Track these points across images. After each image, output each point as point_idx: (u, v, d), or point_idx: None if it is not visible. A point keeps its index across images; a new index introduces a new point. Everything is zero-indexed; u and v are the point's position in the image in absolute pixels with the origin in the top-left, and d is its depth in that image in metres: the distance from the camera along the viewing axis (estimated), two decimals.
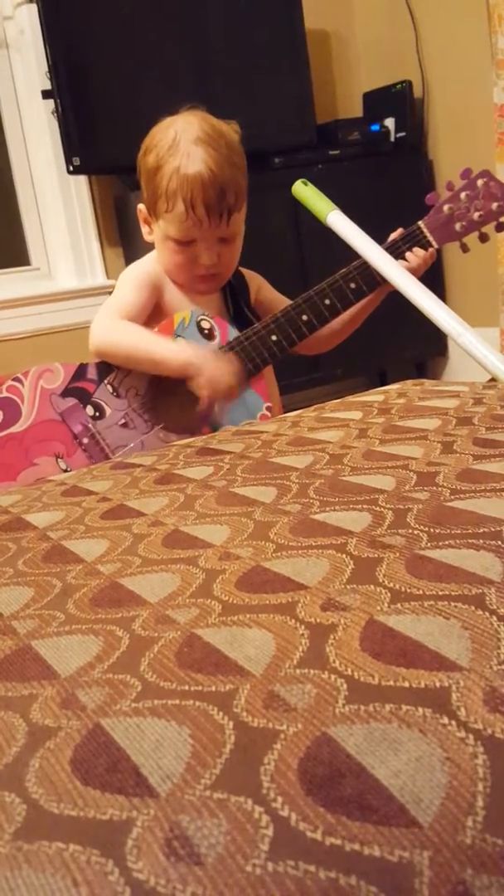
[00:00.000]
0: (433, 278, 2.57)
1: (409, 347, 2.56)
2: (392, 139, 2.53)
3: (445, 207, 1.25)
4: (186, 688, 0.36)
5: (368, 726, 0.31)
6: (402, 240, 1.26)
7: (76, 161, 2.20)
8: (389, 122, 2.54)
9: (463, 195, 1.25)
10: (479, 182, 1.25)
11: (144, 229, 1.25)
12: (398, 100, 2.53)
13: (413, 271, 1.25)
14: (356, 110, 2.71)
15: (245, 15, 2.34)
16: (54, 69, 2.14)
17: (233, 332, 1.21)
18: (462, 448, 0.66)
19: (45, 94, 2.23)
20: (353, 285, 1.23)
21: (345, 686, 0.34)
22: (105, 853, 0.27)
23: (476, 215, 1.25)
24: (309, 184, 1.39)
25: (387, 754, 0.30)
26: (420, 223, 1.26)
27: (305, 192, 1.38)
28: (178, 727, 0.33)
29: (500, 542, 0.45)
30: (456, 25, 2.42)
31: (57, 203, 2.45)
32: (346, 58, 2.79)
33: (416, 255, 1.25)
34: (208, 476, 0.71)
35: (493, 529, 0.47)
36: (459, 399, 0.85)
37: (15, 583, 0.53)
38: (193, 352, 1.16)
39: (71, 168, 2.21)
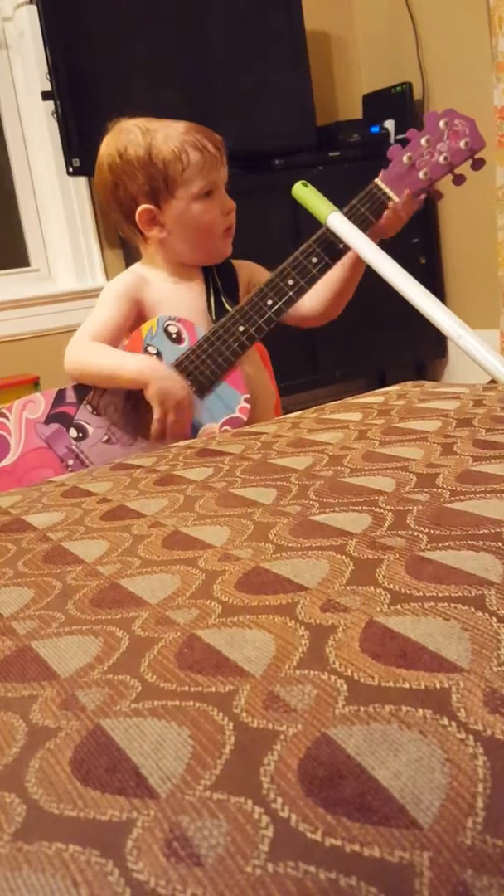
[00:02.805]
0: (433, 279, 2.57)
1: (409, 349, 2.56)
2: (392, 141, 2.53)
3: (404, 157, 1.18)
4: (186, 689, 0.36)
5: (368, 727, 0.31)
6: (359, 201, 1.22)
7: (76, 162, 2.20)
8: (389, 124, 2.54)
9: (423, 140, 1.17)
10: (441, 122, 1.16)
11: (154, 231, 1.24)
12: (398, 102, 2.53)
13: (387, 227, 1.23)
14: (356, 112, 2.71)
15: (245, 16, 2.34)
16: (54, 70, 2.14)
17: (201, 331, 1.21)
18: (462, 450, 0.66)
19: (45, 96, 2.23)
20: (314, 259, 1.21)
21: (345, 687, 0.34)
22: (105, 854, 0.27)
23: (441, 158, 1.17)
24: (309, 185, 1.39)
25: (387, 755, 0.30)
26: (376, 179, 1.22)
27: (305, 193, 1.38)
28: (178, 728, 0.33)
29: (499, 544, 0.45)
30: (456, 27, 2.42)
31: (56, 204, 2.45)
32: (347, 59, 2.79)
33: (389, 209, 1.22)
34: (208, 477, 0.71)
35: (492, 531, 0.47)
36: (459, 401, 0.85)
37: (15, 584, 0.53)
38: (145, 364, 1.18)
39: (71, 169, 2.21)
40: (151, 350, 1.20)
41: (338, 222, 1.32)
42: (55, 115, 2.20)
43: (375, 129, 2.52)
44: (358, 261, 1.26)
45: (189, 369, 1.20)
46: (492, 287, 2.40)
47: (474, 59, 2.35)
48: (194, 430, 1.20)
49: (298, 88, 2.41)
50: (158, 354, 1.20)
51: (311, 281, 1.21)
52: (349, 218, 1.21)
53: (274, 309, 1.20)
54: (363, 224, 1.21)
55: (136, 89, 2.20)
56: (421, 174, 1.19)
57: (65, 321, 2.49)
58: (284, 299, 1.19)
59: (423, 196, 1.23)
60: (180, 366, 1.20)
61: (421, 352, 2.63)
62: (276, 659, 0.37)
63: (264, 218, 2.21)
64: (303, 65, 2.41)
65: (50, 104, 2.23)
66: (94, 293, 2.52)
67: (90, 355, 1.21)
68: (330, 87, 2.76)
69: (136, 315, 1.26)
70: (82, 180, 2.43)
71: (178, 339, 1.21)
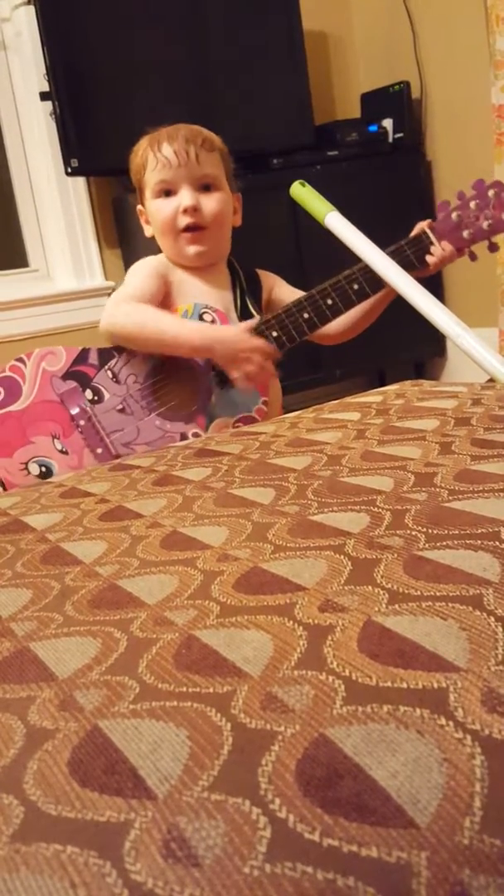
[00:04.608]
0: (432, 279, 2.57)
1: (409, 348, 2.56)
2: (390, 140, 2.53)
3: (454, 214, 1.27)
4: (184, 689, 0.36)
5: (366, 727, 0.31)
6: (407, 244, 1.27)
7: (74, 162, 2.20)
8: (387, 123, 2.53)
9: (472, 203, 1.27)
10: (491, 192, 1.27)
11: (145, 227, 1.32)
12: (396, 100, 2.52)
13: (434, 268, 1.28)
14: (354, 111, 2.71)
15: (243, 16, 2.34)
16: (52, 71, 2.14)
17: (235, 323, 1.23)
18: (460, 449, 0.66)
19: (44, 96, 2.23)
20: (356, 286, 1.25)
21: (342, 687, 0.34)
22: (103, 855, 0.27)
23: (485, 224, 1.27)
24: (307, 185, 1.39)
25: (384, 755, 0.30)
26: (427, 229, 1.28)
27: (303, 193, 1.38)
28: (176, 729, 0.33)
29: (497, 543, 0.45)
30: (454, 26, 2.42)
31: (55, 204, 2.45)
32: (345, 59, 2.79)
33: (440, 248, 1.27)
34: (206, 477, 0.71)
35: (490, 530, 0.47)
36: (458, 400, 0.85)
37: (13, 585, 0.53)
38: (211, 333, 1.19)
39: (69, 169, 2.21)
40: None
41: (336, 222, 1.32)
42: (53, 116, 2.20)
43: (373, 128, 2.52)
44: (387, 294, 1.30)
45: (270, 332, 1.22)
46: (490, 285, 2.39)
47: (472, 58, 2.35)
48: (209, 420, 1.22)
49: (296, 88, 2.41)
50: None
51: (349, 305, 1.26)
52: (394, 257, 1.26)
53: (308, 322, 1.23)
54: (406, 266, 1.26)
55: (135, 89, 2.20)
56: (465, 234, 1.27)
57: (64, 321, 2.49)
58: (320, 316, 1.24)
59: (459, 254, 1.30)
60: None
61: (420, 351, 2.63)
62: (274, 659, 0.37)
63: (262, 217, 2.20)
64: (301, 64, 2.41)
65: (48, 104, 2.23)
66: (93, 293, 2.52)
67: (132, 314, 1.20)
68: (328, 86, 2.76)
69: (165, 294, 1.27)
70: (81, 180, 2.43)
71: None
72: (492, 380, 1.11)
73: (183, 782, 0.30)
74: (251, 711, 0.33)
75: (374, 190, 2.40)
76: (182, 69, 2.29)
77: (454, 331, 1.16)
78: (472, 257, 1.31)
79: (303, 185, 1.39)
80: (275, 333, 1.22)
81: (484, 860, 0.26)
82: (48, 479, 0.88)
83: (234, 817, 0.28)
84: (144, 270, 1.28)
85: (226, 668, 0.37)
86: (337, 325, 1.32)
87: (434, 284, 2.56)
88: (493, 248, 1.30)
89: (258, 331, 1.21)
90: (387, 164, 2.50)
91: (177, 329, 1.18)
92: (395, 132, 2.53)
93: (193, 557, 0.52)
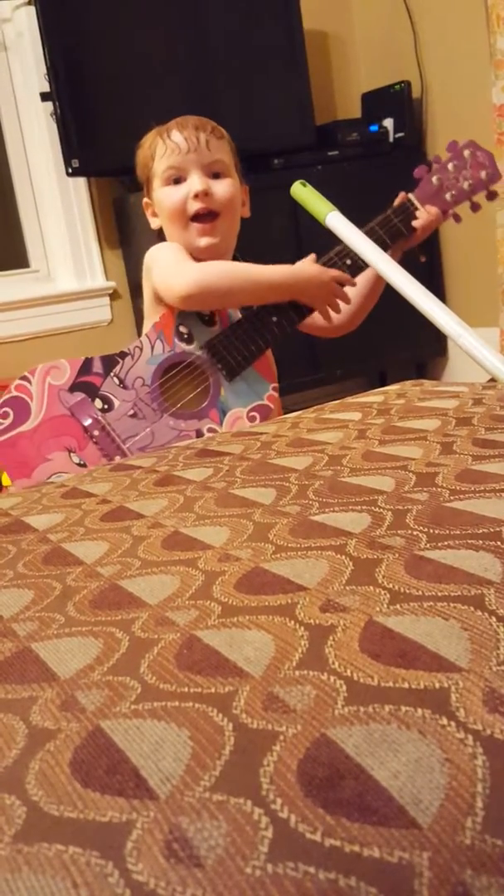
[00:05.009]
0: (432, 278, 2.57)
1: (410, 348, 2.56)
2: (391, 140, 2.53)
3: (434, 178, 1.29)
4: (186, 689, 0.36)
5: (368, 727, 0.31)
6: (393, 212, 1.29)
7: (75, 163, 2.20)
8: (388, 123, 2.53)
9: (450, 165, 1.29)
10: (466, 152, 1.28)
11: (152, 221, 1.32)
12: (397, 100, 2.53)
13: (423, 232, 1.29)
14: (355, 111, 2.71)
15: (244, 16, 2.34)
16: (53, 71, 2.14)
17: (235, 316, 1.23)
18: (461, 449, 0.66)
19: (44, 97, 2.23)
20: (348, 261, 1.26)
21: (344, 687, 0.34)
22: (105, 855, 0.27)
23: (466, 184, 1.29)
24: (307, 185, 1.39)
25: (386, 755, 0.30)
26: (410, 195, 1.29)
27: (304, 193, 1.38)
28: (178, 729, 0.33)
29: (499, 543, 0.45)
30: (454, 26, 2.42)
31: (56, 205, 2.45)
32: (345, 58, 2.79)
33: (425, 212, 1.28)
34: (208, 478, 0.71)
35: (492, 530, 0.47)
36: (459, 400, 0.85)
37: (15, 585, 0.53)
38: (290, 269, 1.20)
39: (70, 170, 2.22)
40: (183, 329, 1.22)
41: (337, 222, 1.32)
42: (54, 116, 2.20)
43: (374, 128, 2.52)
44: (378, 278, 1.30)
45: (220, 352, 1.22)
46: (491, 285, 2.39)
47: (473, 58, 2.35)
48: (222, 414, 1.22)
49: (297, 88, 2.41)
50: (189, 335, 1.22)
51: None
52: (382, 229, 1.27)
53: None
54: (395, 235, 1.28)
55: (135, 90, 2.20)
56: (448, 196, 1.29)
57: (65, 322, 2.49)
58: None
59: (444, 216, 1.32)
60: (212, 347, 1.22)
61: (421, 350, 2.63)
62: (276, 659, 0.37)
63: (264, 217, 2.21)
64: (301, 64, 2.41)
65: (49, 105, 2.23)
66: (94, 294, 2.52)
67: (218, 269, 1.20)
68: (328, 86, 2.76)
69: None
70: (82, 181, 2.43)
71: (210, 322, 1.23)
72: (493, 379, 1.11)
73: (185, 782, 0.30)
74: (253, 711, 0.33)
75: (374, 189, 2.40)
76: (183, 69, 2.29)
77: (455, 330, 1.16)
78: (457, 219, 1.33)
79: (304, 185, 1.39)
80: (274, 318, 1.23)
81: (486, 860, 0.26)
82: (49, 480, 0.88)
83: (236, 817, 0.28)
84: (172, 247, 1.26)
85: (227, 669, 0.37)
86: (339, 315, 1.32)
87: (435, 284, 2.56)
88: (476, 207, 1.32)
89: (330, 262, 1.23)
90: (387, 164, 2.50)
91: (260, 269, 1.19)
92: (395, 132, 2.53)
93: (195, 558, 0.52)
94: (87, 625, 0.45)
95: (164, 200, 1.25)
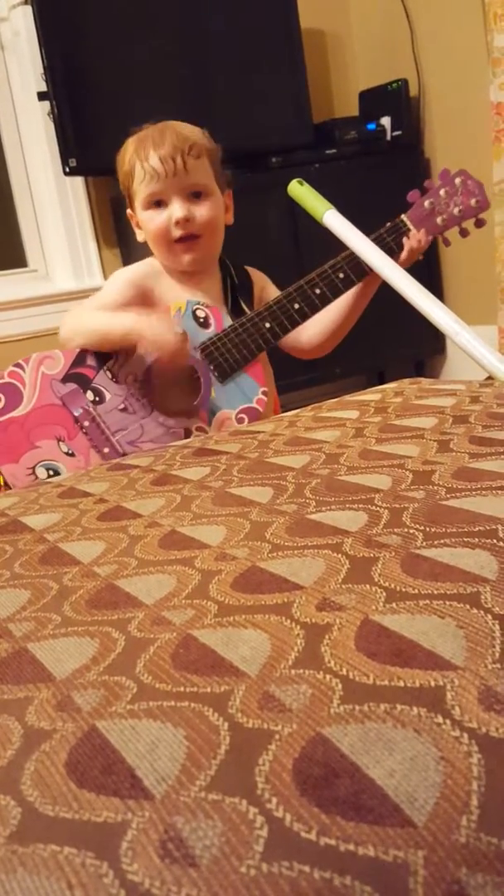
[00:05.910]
0: (431, 276, 2.57)
1: (408, 346, 2.55)
2: (388, 138, 2.53)
3: (426, 202, 1.32)
4: (182, 689, 0.36)
5: (363, 726, 0.31)
6: (386, 232, 1.31)
7: (72, 162, 2.20)
8: (386, 121, 2.53)
9: (442, 192, 1.33)
10: (457, 180, 1.33)
11: (137, 232, 1.33)
12: (394, 98, 2.52)
13: (410, 255, 1.31)
14: (352, 109, 2.71)
15: (241, 15, 2.33)
16: (50, 71, 2.14)
17: (227, 321, 1.25)
18: (458, 446, 0.66)
19: (41, 96, 2.22)
20: (341, 275, 1.28)
21: (340, 686, 0.34)
22: (100, 855, 0.27)
23: (456, 210, 1.33)
24: (305, 183, 1.39)
25: (381, 754, 0.30)
26: (403, 216, 1.32)
27: (301, 191, 1.38)
28: (174, 729, 0.33)
29: (495, 541, 0.45)
30: (452, 24, 2.41)
31: (54, 204, 2.45)
32: (342, 57, 2.78)
33: (410, 239, 1.30)
34: (205, 477, 0.71)
35: (488, 528, 0.47)
36: (456, 397, 0.85)
37: (11, 585, 0.53)
38: (135, 319, 1.21)
39: (67, 169, 2.21)
40: (178, 329, 1.23)
41: (334, 220, 1.32)
42: (51, 116, 2.20)
43: (372, 126, 2.51)
44: (360, 299, 1.32)
45: (214, 354, 1.24)
46: (489, 283, 2.39)
47: (470, 56, 2.34)
48: (211, 414, 1.23)
49: (294, 86, 2.41)
50: (183, 335, 1.23)
51: (336, 293, 1.28)
52: (376, 244, 1.29)
53: (299, 312, 1.27)
54: (387, 252, 1.30)
55: (133, 88, 2.20)
56: (439, 220, 1.33)
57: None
58: (309, 305, 1.27)
59: (431, 238, 1.35)
60: (206, 349, 1.24)
61: (420, 349, 2.63)
62: (272, 658, 0.37)
63: (261, 216, 2.20)
64: (299, 62, 2.40)
65: (46, 104, 2.23)
66: (92, 293, 2.51)
67: (78, 318, 1.25)
68: (326, 84, 2.76)
69: (141, 303, 1.28)
70: (79, 180, 2.43)
71: (205, 324, 1.25)
72: (490, 377, 1.11)
73: (180, 782, 0.30)
74: (248, 711, 0.33)
75: (372, 188, 2.40)
76: (180, 68, 2.29)
77: (452, 328, 1.16)
78: (446, 243, 1.38)
79: (301, 184, 1.39)
80: (267, 324, 1.25)
81: (481, 859, 0.26)
82: (48, 480, 0.88)
83: (231, 817, 0.28)
84: (117, 280, 1.31)
85: (223, 668, 0.37)
86: (311, 337, 1.35)
87: (433, 282, 2.56)
88: (465, 233, 1.36)
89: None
90: (385, 162, 2.50)
91: (108, 322, 1.22)
92: (393, 130, 2.53)
93: (191, 557, 0.52)
94: (84, 625, 0.45)
95: (147, 223, 1.27)
